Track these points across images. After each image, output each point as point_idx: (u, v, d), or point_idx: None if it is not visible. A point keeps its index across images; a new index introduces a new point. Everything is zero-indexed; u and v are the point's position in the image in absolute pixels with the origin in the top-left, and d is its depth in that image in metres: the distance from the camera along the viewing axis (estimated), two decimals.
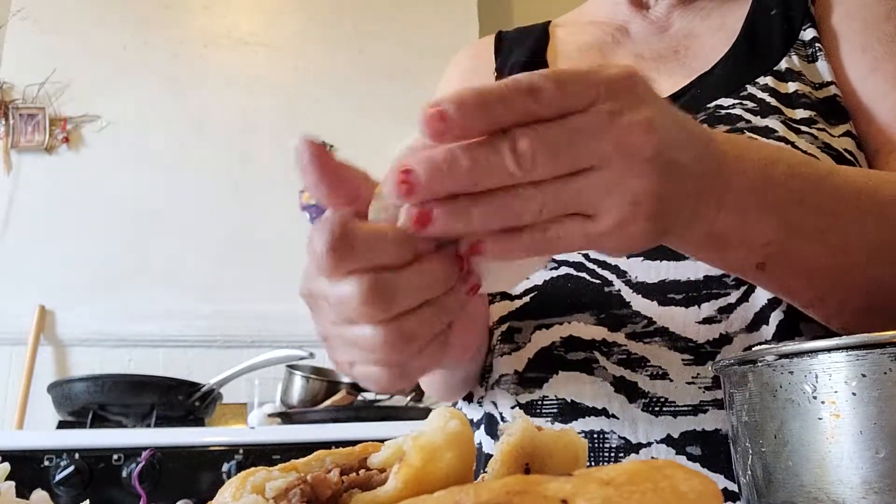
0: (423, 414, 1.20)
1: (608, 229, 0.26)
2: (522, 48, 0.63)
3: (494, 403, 0.48)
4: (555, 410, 0.45)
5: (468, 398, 0.54)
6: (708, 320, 0.43)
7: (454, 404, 0.55)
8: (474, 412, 0.52)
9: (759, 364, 0.24)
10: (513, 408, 0.47)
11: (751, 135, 0.45)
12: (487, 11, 2.14)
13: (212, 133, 1.90)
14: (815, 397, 0.22)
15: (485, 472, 0.23)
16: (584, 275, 0.46)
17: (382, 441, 0.22)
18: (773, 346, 0.24)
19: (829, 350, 0.22)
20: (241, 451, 1.16)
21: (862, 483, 0.21)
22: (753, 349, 0.25)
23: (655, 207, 0.26)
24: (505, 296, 0.49)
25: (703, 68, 0.53)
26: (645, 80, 0.28)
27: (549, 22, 0.66)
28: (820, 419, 0.22)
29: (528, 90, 0.24)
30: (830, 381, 0.22)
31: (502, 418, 0.48)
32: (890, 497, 0.21)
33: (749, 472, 0.26)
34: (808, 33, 0.52)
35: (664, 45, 0.57)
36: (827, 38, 0.52)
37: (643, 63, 0.56)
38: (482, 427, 0.50)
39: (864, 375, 0.21)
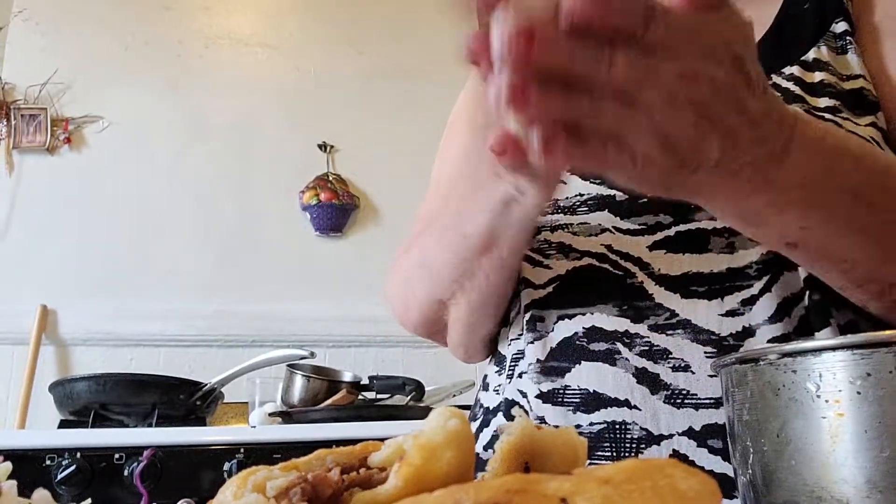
0: (424, 413, 1.20)
1: (634, 163, 0.29)
2: None
3: (522, 392, 0.49)
4: (577, 400, 0.45)
5: (486, 387, 0.54)
6: (731, 313, 0.43)
7: (471, 407, 0.56)
8: (491, 400, 0.52)
9: (762, 363, 0.24)
10: (536, 397, 0.47)
11: (828, 118, 0.45)
12: None
13: (212, 133, 1.90)
14: (818, 396, 0.22)
15: (485, 471, 0.23)
16: (606, 266, 0.47)
17: (383, 440, 0.22)
18: (775, 345, 0.23)
19: (833, 349, 0.22)
20: (242, 450, 1.16)
21: (866, 482, 0.21)
22: (755, 348, 0.25)
23: (679, 157, 0.29)
24: (528, 284, 0.50)
25: None
26: (748, 41, 0.30)
27: None
28: (824, 418, 0.22)
29: (650, 15, 0.27)
30: (835, 380, 0.22)
31: (531, 407, 0.48)
32: (894, 496, 0.20)
33: (749, 472, 0.26)
34: (839, 26, 0.51)
35: None
36: (864, 35, 0.51)
37: None
38: (499, 414, 0.50)
39: (868, 374, 0.21)
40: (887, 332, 0.21)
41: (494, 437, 0.49)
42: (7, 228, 1.77)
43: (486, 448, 0.50)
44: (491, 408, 0.52)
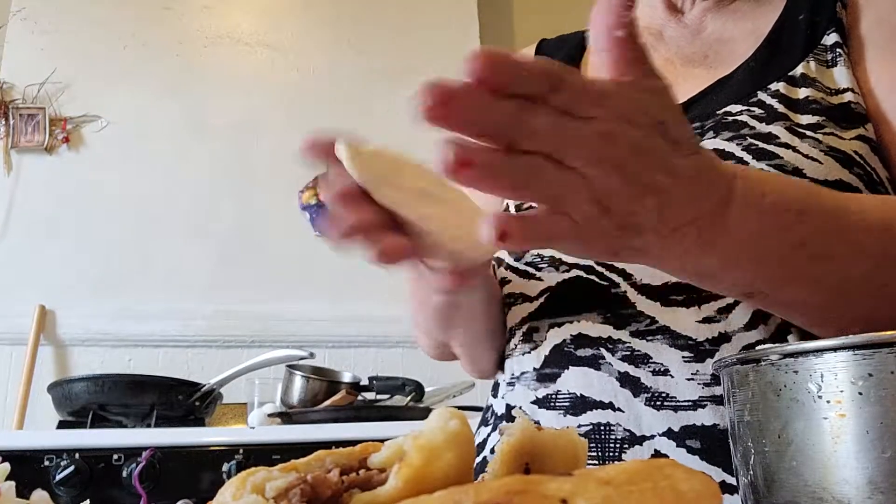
0: (423, 414, 1.20)
1: (579, 230, 0.29)
2: (559, 55, 0.64)
3: (521, 397, 0.51)
4: (567, 404, 0.47)
5: (495, 393, 0.56)
6: (707, 320, 0.45)
7: (479, 410, 0.58)
8: (499, 406, 0.54)
9: (763, 363, 0.24)
10: (532, 402, 0.49)
11: (772, 170, 0.45)
12: (487, 12, 2.14)
13: (212, 133, 1.90)
14: (820, 396, 0.22)
15: (485, 472, 0.23)
16: (593, 277, 0.49)
17: (382, 441, 0.22)
18: (776, 345, 0.23)
19: (834, 349, 0.22)
20: (241, 450, 1.15)
21: (867, 483, 0.21)
22: (757, 349, 0.25)
23: (617, 219, 0.29)
24: (525, 298, 0.52)
25: (726, 72, 0.53)
26: (668, 106, 0.30)
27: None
28: (825, 419, 0.22)
29: (557, 81, 0.27)
30: (836, 381, 0.22)
31: (525, 413, 0.50)
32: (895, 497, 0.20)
33: (751, 472, 0.26)
34: (830, 38, 0.51)
35: (695, 50, 0.57)
36: (854, 44, 0.51)
37: (672, 68, 0.57)
38: (504, 421, 0.52)
39: (870, 375, 0.21)
40: (889, 333, 0.21)
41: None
42: (5, 228, 1.76)
43: (493, 452, 0.52)
44: (499, 414, 0.54)
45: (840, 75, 0.50)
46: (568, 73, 0.28)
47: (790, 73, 0.50)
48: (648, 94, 0.29)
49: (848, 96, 0.49)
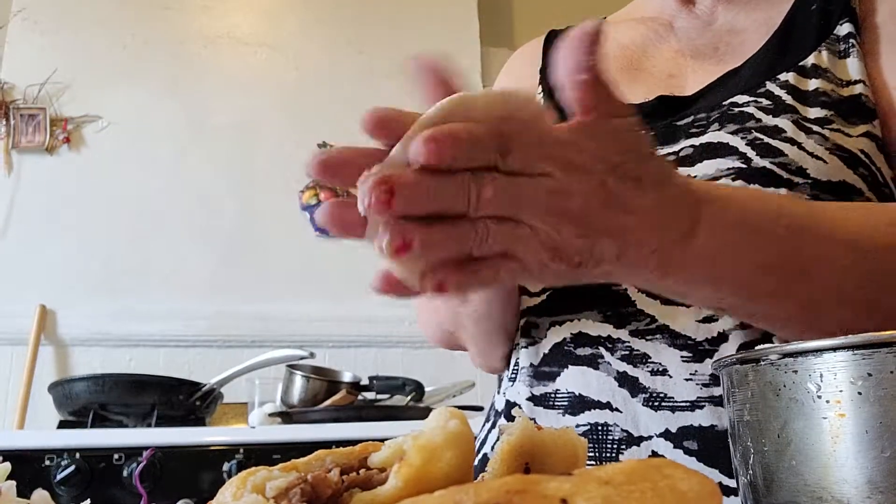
0: (424, 414, 1.20)
1: (530, 272, 0.30)
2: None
3: (520, 394, 0.51)
4: (565, 403, 0.47)
5: (498, 389, 0.56)
6: (706, 319, 0.44)
7: (474, 407, 0.58)
8: (499, 402, 0.54)
9: (762, 363, 0.24)
10: (528, 399, 0.49)
11: (775, 168, 0.45)
12: (487, 12, 2.14)
13: (212, 133, 1.90)
14: (819, 396, 0.22)
15: (485, 471, 0.23)
16: None
17: (383, 441, 0.22)
18: (776, 345, 0.23)
19: (834, 349, 0.22)
20: (241, 450, 1.15)
21: (867, 482, 0.21)
22: (756, 348, 0.25)
23: (569, 263, 0.30)
24: (524, 291, 0.52)
25: (736, 65, 0.52)
26: (629, 146, 0.30)
27: (604, 18, 0.66)
28: (825, 418, 0.22)
29: (507, 142, 0.27)
30: (836, 381, 0.22)
31: (523, 410, 0.50)
32: (895, 496, 0.20)
33: (750, 472, 0.26)
34: (843, 28, 0.51)
35: (705, 41, 0.56)
36: (868, 35, 0.50)
37: (682, 60, 0.56)
38: (503, 417, 0.52)
39: (869, 374, 0.21)
40: (889, 333, 0.21)
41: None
42: (6, 229, 1.76)
43: (493, 448, 0.52)
44: (499, 410, 0.54)
45: (852, 67, 0.49)
46: (520, 129, 0.27)
47: (801, 64, 0.49)
48: (609, 136, 0.29)
49: (859, 88, 0.48)
